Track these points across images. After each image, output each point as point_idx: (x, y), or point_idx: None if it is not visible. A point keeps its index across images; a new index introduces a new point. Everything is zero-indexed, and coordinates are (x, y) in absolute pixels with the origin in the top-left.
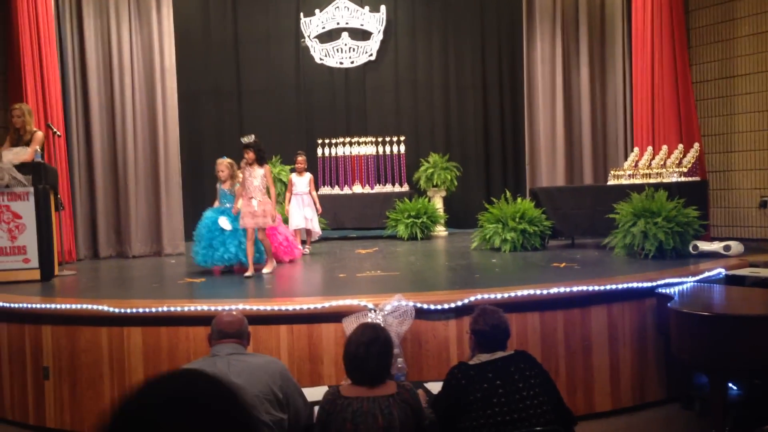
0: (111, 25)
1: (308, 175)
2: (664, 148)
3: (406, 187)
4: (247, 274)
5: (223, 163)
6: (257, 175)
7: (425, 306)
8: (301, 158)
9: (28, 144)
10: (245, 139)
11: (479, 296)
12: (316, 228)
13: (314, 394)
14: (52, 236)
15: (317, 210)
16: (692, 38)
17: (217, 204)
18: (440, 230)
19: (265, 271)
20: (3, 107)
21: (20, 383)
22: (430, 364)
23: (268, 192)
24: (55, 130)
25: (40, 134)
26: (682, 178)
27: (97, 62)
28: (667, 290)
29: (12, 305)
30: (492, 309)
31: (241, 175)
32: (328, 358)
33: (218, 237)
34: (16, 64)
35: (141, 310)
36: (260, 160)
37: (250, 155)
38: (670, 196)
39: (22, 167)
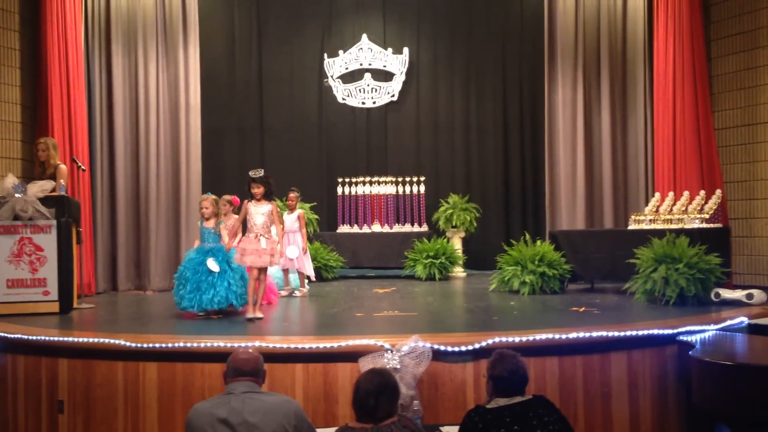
0: (138, 63)
1: (297, 212)
2: (686, 193)
3: (425, 228)
4: (249, 315)
5: (208, 200)
6: (264, 212)
7: (442, 348)
8: (293, 194)
9: (52, 177)
10: (254, 173)
11: (497, 339)
12: (304, 269)
13: None
14: (72, 269)
15: (302, 249)
16: (714, 85)
17: (198, 243)
18: (458, 271)
19: (256, 315)
20: (31, 141)
21: (35, 416)
22: (446, 407)
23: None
24: (80, 164)
25: (63, 168)
26: (704, 225)
27: (124, 99)
28: (689, 338)
29: (29, 337)
30: (510, 354)
31: (224, 214)
32: (344, 398)
33: (206, 279)
34: (44, 99)
35: (157, 345)
36: (268, 196)
37: (260, 189)
38: (692, 242)
39: (45, 200)
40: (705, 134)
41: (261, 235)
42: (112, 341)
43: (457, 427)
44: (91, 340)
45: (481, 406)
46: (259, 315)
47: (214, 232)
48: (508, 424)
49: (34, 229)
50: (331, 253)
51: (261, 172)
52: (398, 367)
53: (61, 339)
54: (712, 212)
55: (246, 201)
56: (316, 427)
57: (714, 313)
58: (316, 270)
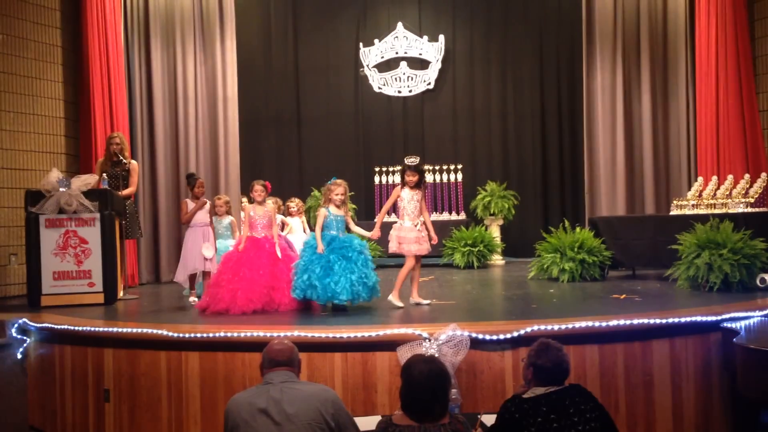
0: (177, 57)
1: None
2: (730, 177)
3: (462, 216)
4: (424, 301)
5: (343, 185)
6: (417, 198)
7: (481, 336)
8: (199, 180)
9: (126, 173)
10: (412, 161)
11: (536, 327)
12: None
13: (367, 423)
14: (116, 261)
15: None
16: (758, 66)
17: (320, 231)
18: (497, 259)
19: (421, 301)
20: (74, 135)
21: (82, 405)
22: (485, 395)
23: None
24: (122, 158)
25: (136, 165)
26: (749, 209)
27: (163, 93)
28: (733, 325)
29: (76, 328)
30: (555, 345)
31: (259, 203)
32: (382, 386)
33: (364, 269)
34: (86, 95)
35: (199, 335)
36: (421, 184)
37: (415, 177)
38: (736, 227)
39: (89, 194)
40: (749, 116)
41: (416, 223)
42: (155, 331)
43: (495, 416)
44: (135, 330)
45: (518, 395)
46: (425, 301)
47: (344, 220)
48: (545, 413)
49: (79, 222)
50: (369, 243)
51: (417, 160)
52: (436, 355)
53: (106, 329)
54: (757, 196)
55: (398, 187)
56: (355, 416)
57: (759, 299)
58: None
